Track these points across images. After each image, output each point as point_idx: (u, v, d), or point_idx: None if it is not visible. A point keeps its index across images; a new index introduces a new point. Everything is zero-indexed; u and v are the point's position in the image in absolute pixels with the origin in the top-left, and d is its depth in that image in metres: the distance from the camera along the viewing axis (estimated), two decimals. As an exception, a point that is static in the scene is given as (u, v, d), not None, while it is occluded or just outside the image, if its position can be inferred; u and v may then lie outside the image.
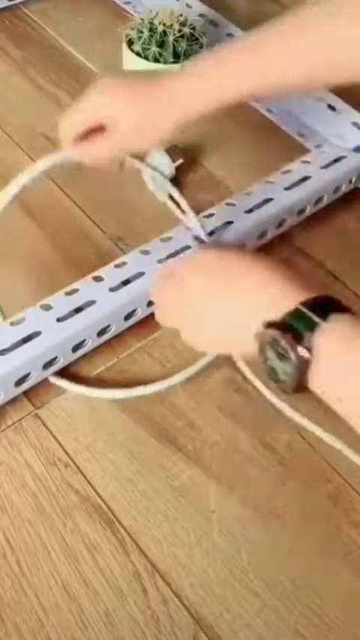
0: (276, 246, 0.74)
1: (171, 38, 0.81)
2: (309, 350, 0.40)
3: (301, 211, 0.75)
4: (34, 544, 0.53)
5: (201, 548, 0.54)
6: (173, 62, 0.82)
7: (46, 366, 0.59)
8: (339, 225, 0.78)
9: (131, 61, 0.84)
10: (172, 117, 0.56)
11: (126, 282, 0.63)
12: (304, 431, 0.60)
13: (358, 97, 0.87)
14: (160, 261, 0.65)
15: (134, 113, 0.56)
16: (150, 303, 0.64)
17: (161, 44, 0.81)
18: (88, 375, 0.63)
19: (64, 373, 0.62)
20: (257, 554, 0.54)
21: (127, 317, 0.64)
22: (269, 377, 0.43)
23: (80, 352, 0.62)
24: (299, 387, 0.42)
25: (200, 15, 0.94)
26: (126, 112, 0.56)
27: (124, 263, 0.65)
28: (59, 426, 0.60)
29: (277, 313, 0.42)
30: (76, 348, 0.61)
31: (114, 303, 0.62)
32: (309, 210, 0.76)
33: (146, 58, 0.82)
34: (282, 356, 0.42)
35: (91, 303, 0.61)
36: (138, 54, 0.82)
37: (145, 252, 0.66)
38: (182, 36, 0.81)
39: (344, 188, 0.78)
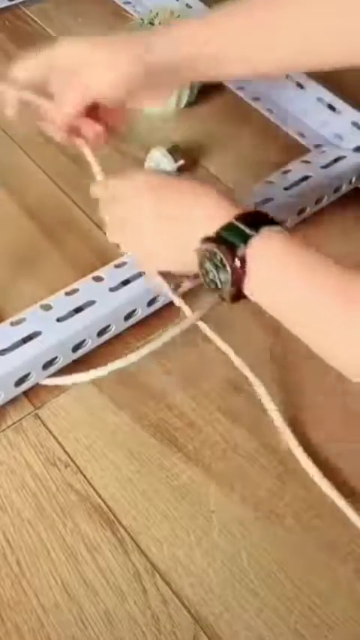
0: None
1: (171, 38, 0.80)
2: (242, 260, 0.44)
3: (301, 211, 0.75)
4: (34, 544, 0.53)
5: (201, 548, 0.54)
6: (173, 62, 0.82)
7: (46, 366, 0.59)
8: (339, 225, 0.78)
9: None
10: (133, 59, 0.55)
11: (126, 282, 0.63)
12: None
13: (359, 97, 0.87)
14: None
15: (96, 55, 0.56)
16: (150, 303, 0.64)
17: (161, 44, 0.81)
18: (88, 375, 0.63)
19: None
20: (257, 554, 0.54)
21: (127, 317, 0.64)
22: (209, 287, 0.48)
23: (80, 352, 0.62)
24: (236, 295, 0.47)
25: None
26: (87, 55, 0.56)
27: (124, 263, 0.65)
28: (59, 426, 0.60)
29: (214, 229, 0.46)
30: (76, 348, 0.61)
31: (114, 303, 0.62)
32: (309, 210, 0.76)
33: (146, 58, 0.82)
34: (218, 267, 0.46)
35: (91, 303, 0.61)
36: (138, 54, 0.82)
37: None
38: (182, 36, 0.81)
39: (344, 188, 0.78)
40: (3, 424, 0.59)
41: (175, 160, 0.77)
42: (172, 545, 0.54)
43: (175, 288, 0.60)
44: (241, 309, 0.50)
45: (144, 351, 0.59)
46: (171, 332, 0.59)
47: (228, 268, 0.45)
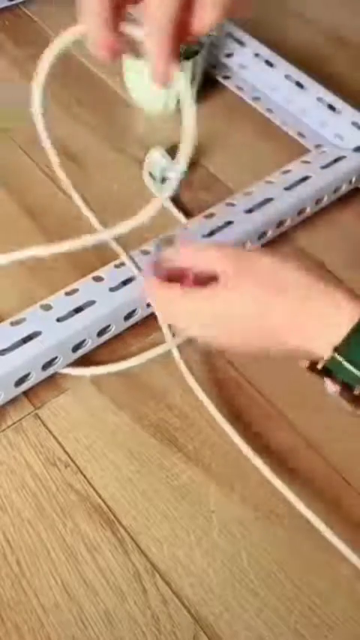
0: (276, 246, 0.74)
1: (171, 38, 0.80)
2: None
3: (301, 211, 0.75)
4: (34, 544, 0.53)
5: (201, 548, 0.54)
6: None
7: (46, 366, 0.59)
8: (339, 225, 0.78)
9: (131, 62, 0.84)
10: None
11: (126, 282, 0.63)
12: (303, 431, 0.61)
13: (359, 97, 0.87)
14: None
15: None
16: (150, 303, 0.64)
17: (161, 44, 0.81)
18: (88, 375, 0.63)
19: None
20: (257, 554, 0.54)
21: (127, 317, 0.64)
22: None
23: (80, 352, 0.62)
24: None
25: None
26: None
27: (124, 263, 0.65)
28: (59, 426, 0.60)
29: (323, 333, 0.40)
30: (76, 348, 0.61)
31: (114, 303, 0.62)
32: (309, 210, 0.76)
33: (146, 58, 0.82)
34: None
35: (91, 303, 0.61)
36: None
37: (145, 252, 0.66)
38: (182, 36, 0.81)
39: (344, 188, 0.78)
40: (3, 424, 0.59)
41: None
42: (172, 545, 0.54)
43: None
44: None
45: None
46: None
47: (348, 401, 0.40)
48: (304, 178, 0.75)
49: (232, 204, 0.72)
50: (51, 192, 0.77)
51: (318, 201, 0.76)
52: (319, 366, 0.41)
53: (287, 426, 0.61)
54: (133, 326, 0.65)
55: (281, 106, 0.88)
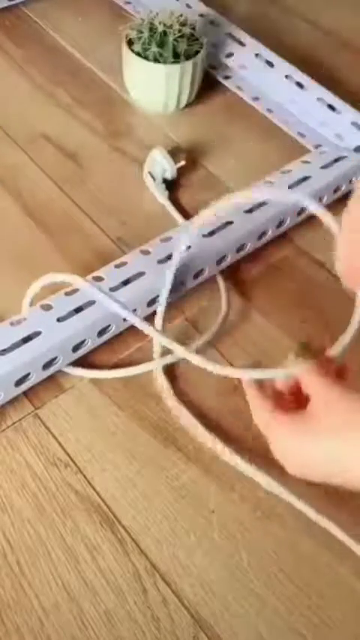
0: (276, 246, 0.74)
1: (171, 38, 0.80)
2: None
3: (301, 211, 0.75)
4: (34, 544, 0.53)
5: (201, 549, 0.54)
6: (173, 62, 0.82)
7: (46, 366, 0.59)
8: (339, 226, 0.78)
9: (131, 62, 0.84)
10: None
11: (126, 282, 0.63)
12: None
13: (359, 97, 0.87)
14: (160, 261, 0.65)
15: None
16: (150, 303, 0.64)
17: (161, 44, 0.81)
18: (88, 375, 0.63)
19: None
20: (257, 554, 0.54)
21: (127, 317, 0.64)
22: None
23: (80, 352, 0.62)
24: None
25: (200, 15, 0.94)
26: None
27: (124, 263, 0.65)
28: (59, 426, 0.60)
29: None
30: (76, 348, 0.61)
31: (114, 303, 0.62)
32: (309, 211, 0.76)
33: (146, 58, 0.82)
34: None
35: (91, 303, 0.61)
36: (138, 54, 0.82)
37: (145, 252, 0.66)
38: (182, 36, 0.81)
39: (344, 188, 0.78)
40: (3, 424, 0.59)
41: (176, 162, 0.77)
42: (172, 546, 0.54)
43: None
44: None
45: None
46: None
47: None
48: (304, 178, 0.75)
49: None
50: (52, 193, 0.77)
51: (318, 202, 0.76)
52: None
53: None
54: (132, 326, 0.65)
55: (281, 106, 0.88)
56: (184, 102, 0.86)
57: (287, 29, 1.02)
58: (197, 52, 0.83)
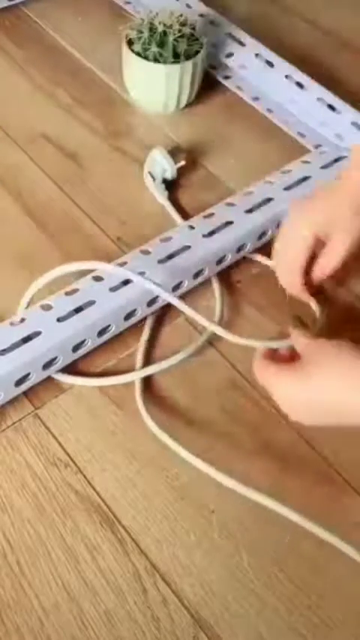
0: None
1: (171, 38, 0.80)
2: None
3: (301, 211, 0.75)
4: (34, 544, 0.53)
5: (201, 548, 0.54)
6: (173, 62, 0.82)
7: (46, 366, 0.59)
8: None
9: (131, 62, 0.84)
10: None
11: (126, 282, 0.63)
12: (303, 431, 0.61)
13: (359, 97, 0.87)
14: (160, 261, 0.65)
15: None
16: (150, 303, 0.64)
17: (161, 44, 0.81)
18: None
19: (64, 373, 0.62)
20: (257, 554, 0.54)
21: (127, 317, 0.64)
22: None
23: (80, 352, 0.62)
24: None
25: (200, 15, 0.94)
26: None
27: (124, 263, 0.65)
28: (59, 426, 0.60)
29: None
30: (76, 348, 0.61)
31: (114, 303, 0.62)
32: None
33: (146, 58, 0.82)
34: None
35: (91, 303, 0.61)
36: (138, 54, 0.82)
37: (145, 252, 0.66)
38: (182, 36, 0.81)
39: (344, 188, 0.78)
40: (3, 424, 0.59)
41: (176, 162, 0.77)
42: (172, 546, 0.54)
43: None
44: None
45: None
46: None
47: None
48: (304, 178, 0.75)
49: (232, 204, 0.72)
50: (51, 193, 0.77)
51: (318, 201, 0.76)
52: None
53: (287, 426, 0.61)
54: (132, 326, 0.65)
55: (281, 106, 0.88)
56: (184, 102, 0.86)
57: (287, 29, 1.02)
58: (197, 52, 0.83)
